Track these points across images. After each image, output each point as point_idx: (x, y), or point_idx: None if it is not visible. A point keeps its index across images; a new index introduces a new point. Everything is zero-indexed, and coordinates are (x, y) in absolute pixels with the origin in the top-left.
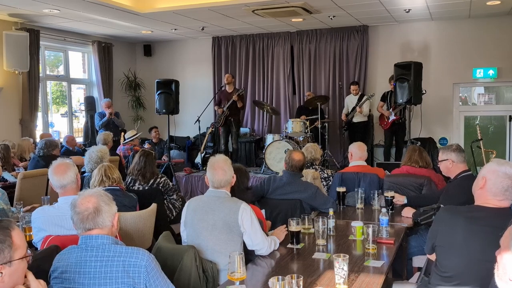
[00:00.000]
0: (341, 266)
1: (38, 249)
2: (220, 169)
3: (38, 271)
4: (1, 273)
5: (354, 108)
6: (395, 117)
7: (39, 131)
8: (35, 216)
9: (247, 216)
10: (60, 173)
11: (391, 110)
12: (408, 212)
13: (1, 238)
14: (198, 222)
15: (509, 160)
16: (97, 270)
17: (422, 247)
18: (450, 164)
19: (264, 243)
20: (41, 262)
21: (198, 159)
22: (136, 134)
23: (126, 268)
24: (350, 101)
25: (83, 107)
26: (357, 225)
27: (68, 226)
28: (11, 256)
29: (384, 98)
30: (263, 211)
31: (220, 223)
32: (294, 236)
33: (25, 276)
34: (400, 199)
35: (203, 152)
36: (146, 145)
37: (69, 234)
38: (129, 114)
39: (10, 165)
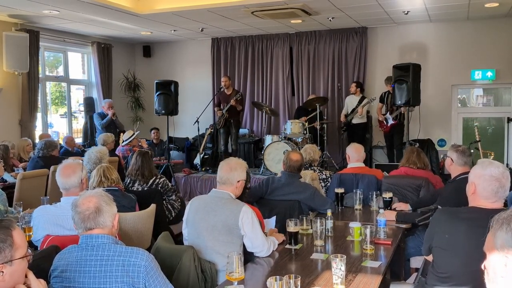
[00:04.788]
0: (338, 266)
1: (38, 247)
2: (227, 166)
3: (38, 270)
4: (2, 272)
5: (354, 109)
6: (393, 122)
7: (38, 131)
8: (36, 214)
9: (248, 219)
10: (64, 176)
11: (388, 114)
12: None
13: (2, 238)
14: (199, 222)
15: (507, 161)
16: (97, 269)
17: (420, 248)
18: (450, 163)
19: (264, 246)
20: (41, 262)
21: (197, 160)
22: (134, 134)
23: (126, 267)
24: (350, 101)
25: (82, 108)
26: (355, 226)
27: (68, 227)
28: (12, 256)
29: (382, 99)
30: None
31: (220, 224)
32: (292, 237)
33: (26, 276)
34: (404, 208)
35: (202, 153)
36: (145, 146)
37: (69, 234)
38: (128, 115)
39: (9, 166)
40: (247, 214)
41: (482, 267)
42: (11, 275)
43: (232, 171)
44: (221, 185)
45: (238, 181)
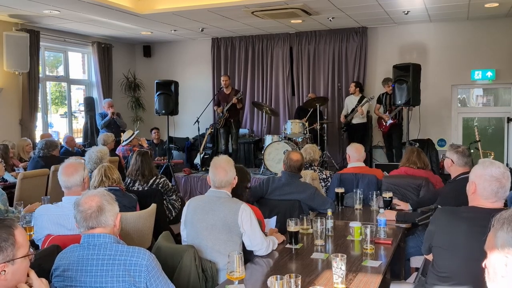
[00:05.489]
0: (339, 266)
1: (39, 246)
2: (221, 169)
3: (39, 270)
4: (4, 271)
5: (353, 109)
6: (392, 121)
7: (38, 131)
8: (38, 213)
9: (246, 217)
10: (67, 175)
11: (387, 113)
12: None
13: (4, 237)
14: (198, 222)
15: (507, 161)
16: (98, 268)
17: (420, 248)
18: (450, 164)
19: (263, 244)
20: (42, 261)
21: (197, 160)
22: (133, 133)
23: (127, 267)
24: (350, 102)
25: (82, 108)
26: (355, 225)
27: (70, 226)
28: (14, 255)
29: (379, 100)
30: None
31: (220, 223)
32: (292, 236)
33: (28, 275)
34: (405, 208)
35: (202, 153)
36: (145, 145)
37: (70, 234)
38: (128, 114)
39: (9, 166)
40: (246, 212)
41: (483, 265)
42: (13, 274)
43: (228, 173)
44: (220, 188)
45: (234, 178)
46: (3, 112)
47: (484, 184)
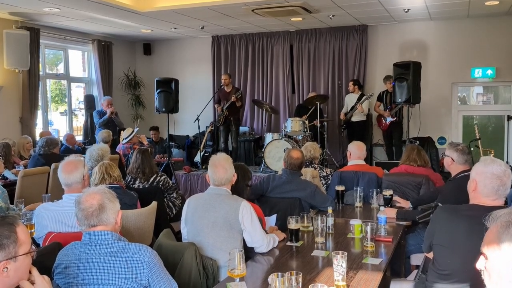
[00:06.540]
0: (339, 263)
1: (40, 245)
2: (221, 167)
3: (40, 267)
4: (6, 268)
5: (353, 107)
6: (392, 119)
7: (38, 129)
8: (39, 211)
9: (247, 214)
10: (66, 172)
11: (387, 111)
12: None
13: (6, 234)
14: (198, 220)
15: (507, 159)
16: (100, 265)
17: (420, 245)
18: (450, 162)
19: (264, 241)
20: (43, 258)
21: (197, 158)
22: (133, 131)
23: (129, 264)
24: (350, 100)
25: (82, 106)
26: (355, 223)
27: (70, 224)
28: (16, 252)
29: (380, 98)
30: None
31: (221, 220)
32: (293, 234)
33: (30, 272)
34: (405, 205)
35: (202, 151)
36: (145, 142)
37: (72, 231)
38: (128, 112)
39: (11, 163)
40: (247, 209)
41: (483, 268)
42: (15, 271)
43: (227, 171)
44: (219, 185)
45: (233, 176)
46: (3, 110)
47: (485, 181)
